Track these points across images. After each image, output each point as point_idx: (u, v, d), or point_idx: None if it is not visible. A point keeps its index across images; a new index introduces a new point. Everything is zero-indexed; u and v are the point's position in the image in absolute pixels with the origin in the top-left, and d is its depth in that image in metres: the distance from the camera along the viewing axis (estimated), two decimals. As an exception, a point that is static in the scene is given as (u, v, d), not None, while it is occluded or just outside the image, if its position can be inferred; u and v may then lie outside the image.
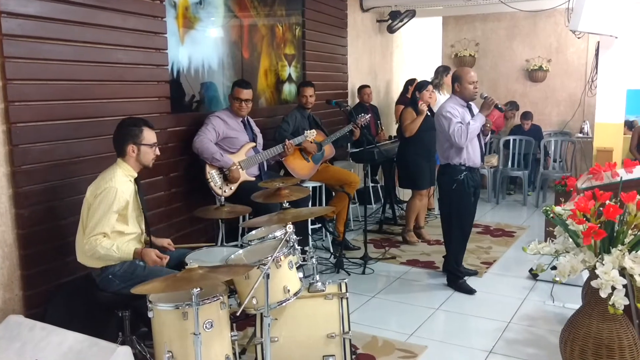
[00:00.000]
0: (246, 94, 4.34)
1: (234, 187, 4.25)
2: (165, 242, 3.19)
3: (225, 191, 4.20)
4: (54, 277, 3.21)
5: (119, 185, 2.86)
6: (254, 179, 4.37)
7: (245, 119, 4.45)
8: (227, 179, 4.21)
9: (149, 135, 3.01)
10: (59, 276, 3.24)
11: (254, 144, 4.45)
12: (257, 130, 4.57)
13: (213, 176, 4.17)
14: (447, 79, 6.51)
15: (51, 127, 3.17)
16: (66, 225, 3.26)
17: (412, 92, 5.59)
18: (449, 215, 4.40)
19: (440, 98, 6.51)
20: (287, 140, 4.59)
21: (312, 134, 4.75)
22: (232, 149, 4.31)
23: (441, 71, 6.68)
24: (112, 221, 2.84)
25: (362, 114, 5.45)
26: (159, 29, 3.92)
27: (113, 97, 3.57)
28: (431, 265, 4.99)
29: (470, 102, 4.35)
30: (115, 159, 3.03)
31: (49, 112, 3.16)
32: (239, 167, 4.26)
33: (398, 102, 7.32)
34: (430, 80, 5.71)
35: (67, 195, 3.26)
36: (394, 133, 7.35)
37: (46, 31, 3.12)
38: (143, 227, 3.04)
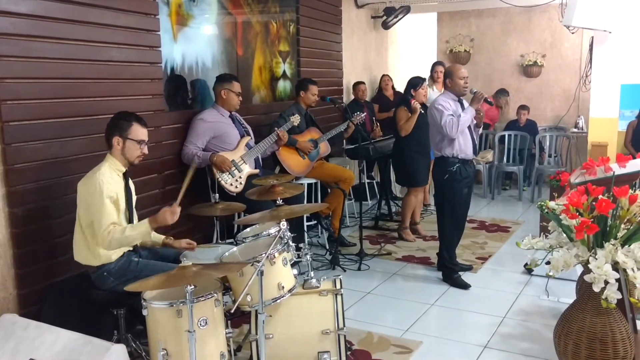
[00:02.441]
0: (240, 86, 4.39)
1: (243, 180, 4.26)
2: (184, 242, 3.18)
3: (236, 187, 4.22)
4: (48, 275, 3.21)
5: (102, 176, 2.85)
6: (258, 171, 4.40)
7: (232, 114, 4.44)
8: (221, 169, 4.18)
9: (137, 131, 2.96)
10: (53, 275, 3.24)
11: (249, 137, 4.46)
12: (247, 125, 4.58)
13: (221, 175, 4.18)
14: (437, 73, 6.52)
15: (44, 126, 3.16)
16: (60, 223, 3.26)
17: (406, 90, 5.47)
18: (442, 207, 4.46)
19: (431, 94, 6.51)
20: (276, 129, 4.63)
21: (296, 119, 4.79)
22: (229, 147, 4.31)
23: (432, 66, 6.70)
24: (110, 209, 2.83)
25: (357, 112, 5.46)
26: (151, 27, 3.91)
27: (106, 95, 3.57)
28: (427, 261, 4.99)
29: (461, 98, 4.45)
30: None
31: (41, 110, 3.15)
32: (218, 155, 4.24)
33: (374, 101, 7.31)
34: (423, 77, 5.65)
35: (61, 194, 3.26)
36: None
37: (38, 29, 3.11)
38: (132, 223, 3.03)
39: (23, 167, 3.05)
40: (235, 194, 4.16)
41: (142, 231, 2.85)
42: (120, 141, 2.94)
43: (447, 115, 4.25)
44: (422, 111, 5.36)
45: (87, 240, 2.89)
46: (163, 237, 3.21)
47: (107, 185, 2.83)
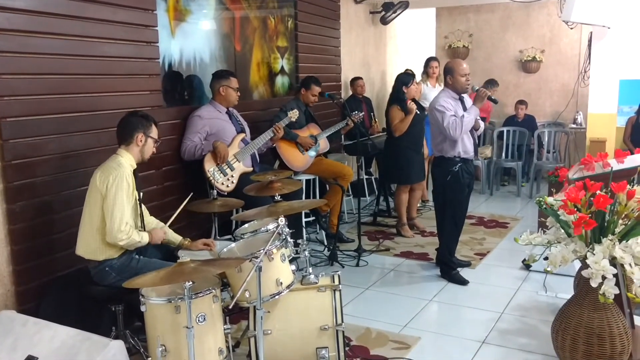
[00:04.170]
0: (237, 82, 4.38)
1: (235, 180, 4.25)
2: (201, 244, 3.22)
3: (227, 186, 4.20)
4: (46, 272, 3.21)
5: (125, 171, 2.90)
6: (251, 169, 4.38)
7: (229, 110, 4.43)
8: (219, 157, 4.16)
9: (155, 130, 3.10)
10: (51, 271, 3.23)
11: (243, 134, 4.45)
12: (243, 121, 4.57)
13: (213, 173, 4.16)
14: (432, 68, 6.53)
15: (42, 122, 3.15)
16: (58, 220, 3.25)
17: (396, 87, 5.38)
18: (443, 207, 4.41)
19: (425, 89, 6.51)
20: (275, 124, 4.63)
21: (294, 114, 4.77)
22: (225, 143, 4.30)
23: (426, 61, 6.69)
24: (127, 205, 2.88)
25: (356, 112, 5.45)
26: (149, 22, 3.89)
27: (104, 91, 3.55)
28: (425, 257, 5.00)
29: (462, 95, 4.33)
30: (108, 152, 3.03)
31: (39, 106, 3.14)
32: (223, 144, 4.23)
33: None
34: (413, 73, 5.60)
35: (59, 190, 3.25)
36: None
37: (35, 25, 3.10)
38: (138, 221, 3.03)
39: (20, 163, 3.04)
40: (226, 193, 4.14)
41: (145, 242, 2.97)
42: (143, 138, 3.02)
43: (449, 116, 4.11)
44: (418, 111, 5.31)
45: (100, 232, 2.88)
46: (181, 238, 3.25)
47: (130, 181, 2.89)
